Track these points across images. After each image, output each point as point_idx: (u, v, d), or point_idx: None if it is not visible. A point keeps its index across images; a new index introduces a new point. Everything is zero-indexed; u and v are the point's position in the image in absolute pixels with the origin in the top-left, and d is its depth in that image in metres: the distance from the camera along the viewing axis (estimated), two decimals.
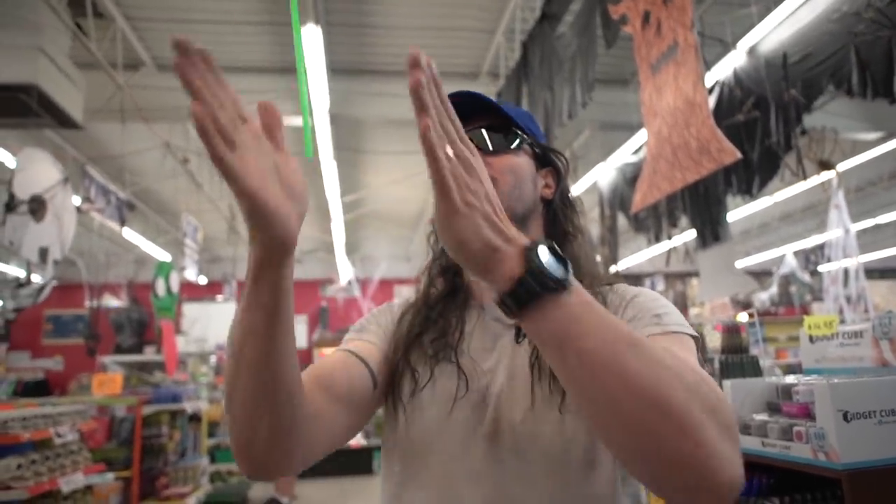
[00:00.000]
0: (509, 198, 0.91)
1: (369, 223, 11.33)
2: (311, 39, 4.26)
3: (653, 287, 12.96)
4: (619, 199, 6.69)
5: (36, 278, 5.11)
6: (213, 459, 7.41)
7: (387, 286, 12.86)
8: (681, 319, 0.86)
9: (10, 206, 3.96)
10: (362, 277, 12.72)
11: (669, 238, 4.83)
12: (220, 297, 12.55)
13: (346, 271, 11.98)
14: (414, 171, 8.72)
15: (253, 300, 0.68)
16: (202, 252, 9.21)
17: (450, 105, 0.65)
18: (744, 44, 4.10)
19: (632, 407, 0.56)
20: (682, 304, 12.60)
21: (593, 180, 7.02)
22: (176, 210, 9.37)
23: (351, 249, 12.24)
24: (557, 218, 0.99)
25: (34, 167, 4.35)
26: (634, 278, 13.03)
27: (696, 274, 11.55)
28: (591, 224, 7.81)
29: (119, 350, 10.70)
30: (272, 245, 0.66)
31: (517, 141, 0.97)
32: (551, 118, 4.54)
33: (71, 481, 3.37)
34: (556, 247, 0.62)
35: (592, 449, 0.84)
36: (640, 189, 2.48)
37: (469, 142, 0.66)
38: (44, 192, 4.30)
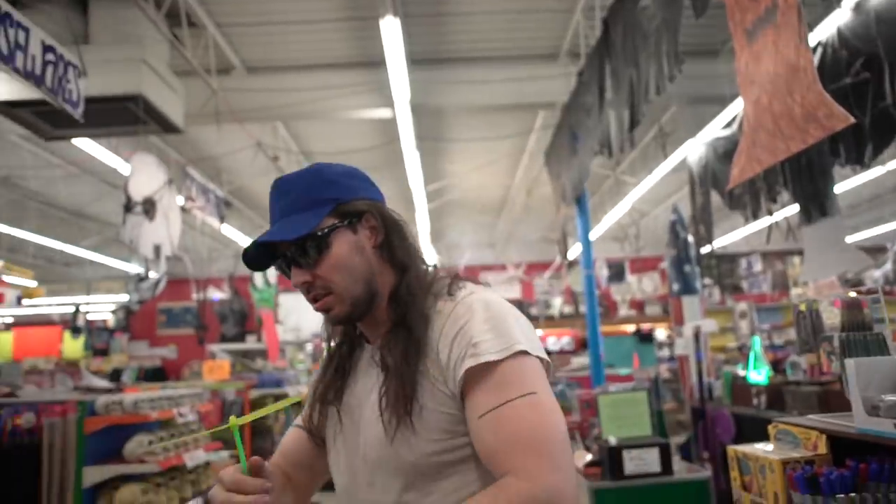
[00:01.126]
0: (347, 289, 1.03)
1: (453, 211, 11.43)
2: (391, 31, 4.33)
3: (749, 268, 12.32)
4: (710, 175, 6.38)
5: (152, 273, 5.56)
6: None
7: (472, 273, 12.90)
8: (503, 341, 0.96)
9: (128, 206, 4.31)
10: (447, 265, 12.85)
11: (770, 214, 4.57)
12: None
13: (431, 260, 12.14)
14: (496, 156, 8.70)
15: None
16: None
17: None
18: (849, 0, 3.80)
19: None
20: (783, 285, 11.90)
21: (682, 157, 6.75)
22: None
23: (436, 238, 12.40)
24: (392, 253, 1.08)
25: (144, 171, 4.70)
26: (730, 259, 12.44)
27: (798, 252, 10.88)
28: (682, 202, 7.52)
29: (224, 339, 11.38)
30: None
31: (323, 240, 1.03)
32: (637, 95, 4.39)
33: (194, 457, 3.65)
34: None
35: (443, 452, 0.99)
36: (737, 163, 2.37)
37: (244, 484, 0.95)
38: (153, 194, 4.64)
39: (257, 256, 1.08)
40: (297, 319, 11.97)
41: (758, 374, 4.27)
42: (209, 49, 5.44)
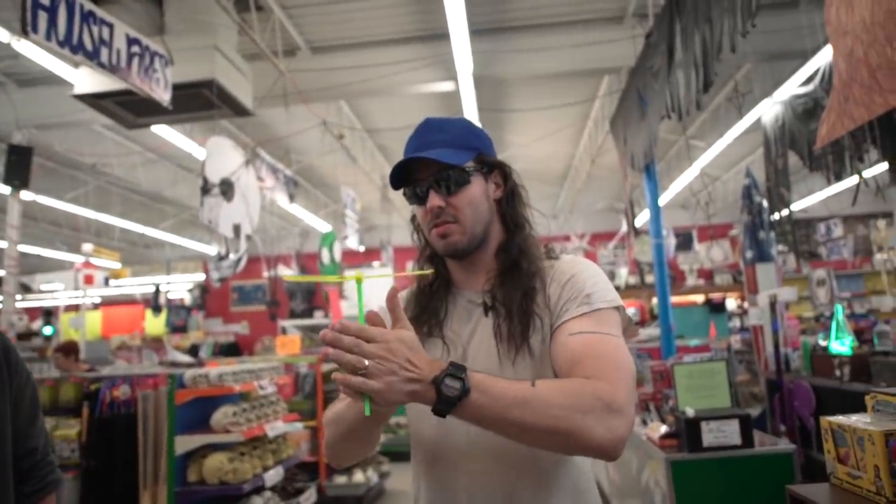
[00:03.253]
0: (472, 226, 1.16)
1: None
2: (453, 3, 4.28)
3: (828, 232, 11.71)
4: (788, 135, 6.07)
5: (231, 253, 5.80)
6: None
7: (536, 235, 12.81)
8: (608, 295, 1.11)
9: (205, 189, 4.48)
10: None
11: (859, 174, 4.31)
12: (376, 264, 13.31)
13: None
14: (558, 126, 8.55)
15: (354, 420, 1.08)
16: (359, 221, 9.79)
17: (351, 328, 0.91)
18: None
19: (534, 438, 0.94)
20: (866, 250, 11.27)
21: (756, 118, 6.43)
22: (334, 183, 10.02)
23: None
24: (507, 213, 1.22)
25: (220, 153, 4.87)
26: (806, 224, 11.86)
27: (884, 214, 10.24)
28: (756, 165, 7.19)
29: (293, 315, 11.78)
30: (381, 408, 0.99)
31: (465, 176, 1.16)
32: (710, 54, 4.20)
33: (274, 428, 3.83)
34: (456, 369, 0.91)
35: None
36: (826, 120, 2.23)
37: (375, 348, 0.89)
38: (230, 175, 4.81)
39: (399, 175, 1.18)
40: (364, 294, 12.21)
41: (840, 345, 4.08)
42: (276, 31, 5.55)
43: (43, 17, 2.97)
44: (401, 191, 1.21)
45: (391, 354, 0.88)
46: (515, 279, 1.15)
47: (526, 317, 1.11)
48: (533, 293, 1.14)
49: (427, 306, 1.23)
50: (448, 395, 0.89)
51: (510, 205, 1.23)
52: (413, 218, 1.26)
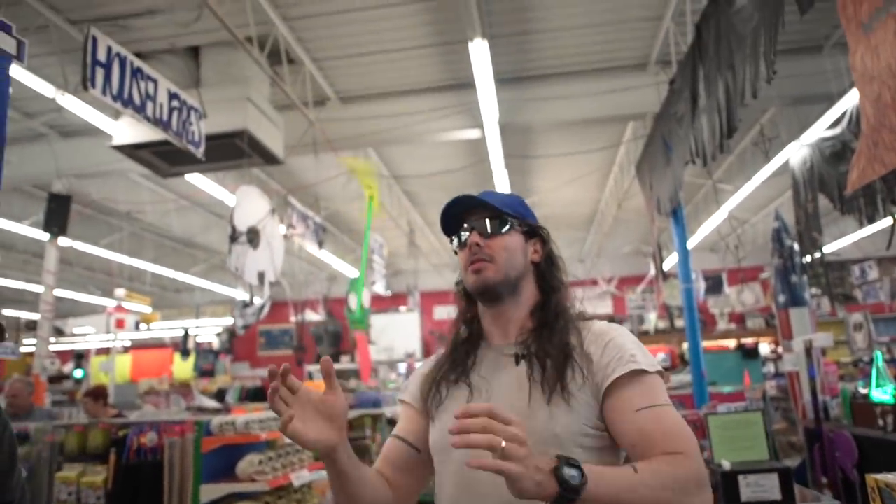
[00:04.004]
0: (505, 268, 1.24)
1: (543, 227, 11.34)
2: (479, 54, 4.39)
3: (863, 275, 11.41)
4: (817, 178, 6.00)
5: (256, 299, 5.89)
6: None
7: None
8: (649, 359, 1.16)
9: (233, 237, 4.57)
10: None
11: (893, 216, 4.23)
12: (403, 308, 13.32)
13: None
14: (583, 171, 8.58)
15: (327, 471, 1.15)
16: (386, 266, 9.84)
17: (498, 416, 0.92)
18: None
19: None
20: None
21: (783, 161, 6.39)
22: (361, 229, 10.13)
23: None
24: (545, 276, 1.31)
25: (248, 201, 4.99)
26: (839, 266, 11.59)
27: None
28: (785, 207, 7.10)
29: (319, 360, 11.77)
30: (323, 454, 1.11)
31: (507, 226, 1.27)
32: (733, 100, 4.22)
33: (300, 477, 3.78)
34: (572, 460, 0.93)
35: (579, 435, 1.12)
36: (855, 165, 2.21)
37: (515, 430, 0.90)
38: (257, 223, 4.91)
39: (449, 221, 1.31)
40: (391, 339, 12.19)
41: (882, 392, 3.92)
42: (306, 83, 5.72)
43: (100, 73, 3.15)
44: (447, 237, 1.33)
45: (522, 439, 0.90)
46: (552, 334, 1.21)
47: (563, 363, 1.16)
48: (569, 347, 1.19)
49: (457, 360, 1.30)
50: (572, 485, 0.90)
51: (548, 268, 1.31)
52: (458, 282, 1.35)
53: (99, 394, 5.41)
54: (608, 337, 1.19)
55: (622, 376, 1.12)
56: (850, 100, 5.01)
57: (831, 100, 5.20)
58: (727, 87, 4.25)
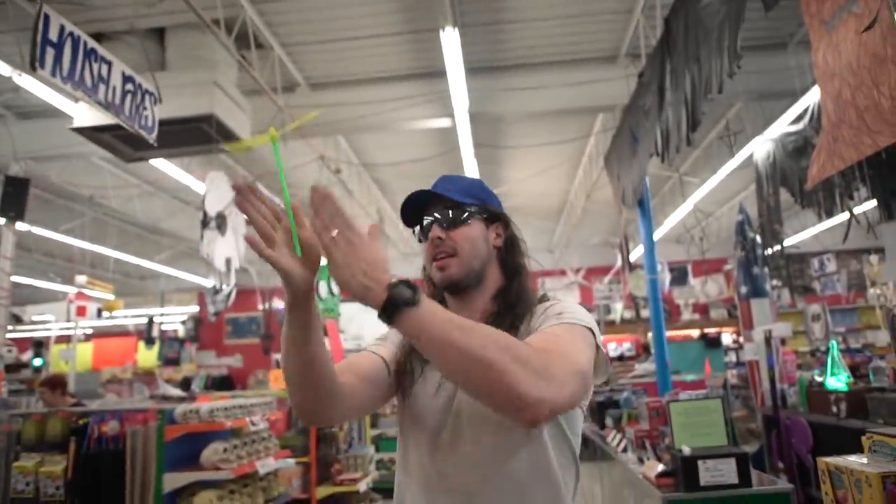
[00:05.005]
0: (468, 260, 1.25)
1: (512, 217, 11.40)
2: (450, 43, 4.37)
3: (821, 267, 11.76)
4: (779, 172, 6.15)
5: (223, 286, 5.82)
6: (377, 448, 7.85)
7: (532, 278, 12.84)
8: (579, 317, 1.16)
9: (204, 222, 4.50)
10: None
11: (849, 210, 4.36)
12: None
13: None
14: (553, 162, 8.64)
15: (290, 323, 1.05)
16: None
17: (341, 210, 0.93)
18: None
19: (467, 371, 0.92)
20: (859, 285, 11.31)
21: (748, 155, 6.52)
22: None
23: None
24: (507, 260, 1.32)
25: (217, 187, 4.90)
26: (799, 258, 11.92)
27: (876, 249, 10.31)
28: (749, 200, 7.27)
29: None
30: (294, 293, 1.02)
31: (466, 215, 1.27)
32: (698, 93, 4.29)
33: (265, 465, 3.76)
34: (410, 282, 0.93)
35: None
36: (816, 160, 2.27)
37: (353, 226, 0.94)
38: (224, 209, 4.83)
39: (409, 213, 1.30)
40: (359, 328, 12.14)
41: (836, 381, 4.06)
42: (275, 68, 5.63)
43: (50, 54, 3.03)
44: (408, 228, 1.33)
45: (363, 250, 0.92)
46: (512, 318, 1.23)
47: None
48: (517, 326, 1.21)
49: None
50: (398, 296, 0.90)
51: (509, 253, 1.32)
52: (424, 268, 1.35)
53: (56, 383, 5.27)
54: (547, 306, 1.22)
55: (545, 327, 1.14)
56: (813, 96, 5.13)
57: (795, 96, 5.33)
58: (693, 81, 4.32)
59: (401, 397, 1.31)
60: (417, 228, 1.31)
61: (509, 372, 0.91)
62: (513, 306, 1.25)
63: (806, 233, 10.90)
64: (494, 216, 1.34)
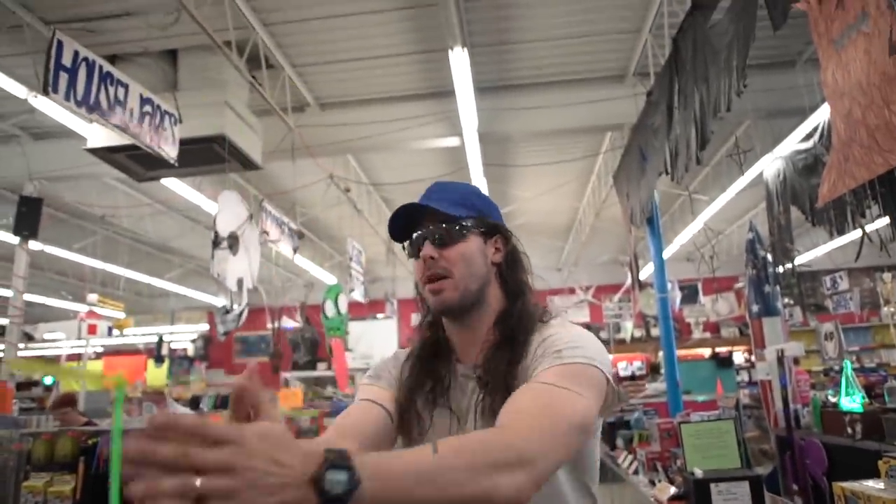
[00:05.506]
0: (464, 281, 1.13)
1: (520, 236, 11.31)
2: (459, 63, 4.41)
3: (834, 285, 11.64)
4: (790, 190, 6.12)
5: (235, 306, 5.85)
6: None
7: (539, 297, 12.81)
8: (583, 352, 1.03)
9: (216, 242, 4.53)
10: None
11: (861, 229, 4.33)
12: (380, 315, 13.24)
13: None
14: (562, 180, 8.66)
15: None
16: (364, 273, 9.80)
17: (195, 425, 0.60)
18: None
19: None
20: (873, 303, 11.19)
21: (757, 173, 6.50)
22: (340, 236, 10.09)
23: None
24: (507, 279, 1.20)
25: (229, 207, 4.94)
26: (811, 276, 11.82)
27: (889, 267, 10.21)
28: (759, 218, 7.25)
29: (296, 367, 11.66)
30: None
31: (460, 229, 1.14)
32: (706, 112, 4.29)
33: None
34: (340, 457, 0.66)
35: None
36: (826, 179, 2.26)
37: (221, 455, 0.59)
38: (237, 229, 4.86)
39: (398, 227, 1.18)
40: (368, 347, 12.11)
41: (851, 401, 4.00)
42: (285, 88, 5.70)
43: (63, 78, 3.09)
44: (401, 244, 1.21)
45: (247, 459, 0.59)
46: (505, 351, 1.11)
47: (508, 389, 1.03)
48: (516, 361, 1.09)
49: (431, 372, 1.19)
50: (333, 494, 0.64)
51: (510, 269, 1.20)
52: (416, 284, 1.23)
53: (67, 401, 5.28)
54: (546, 335, 1.10)
55: (539, 373, 1.02)
56: (822, 114, 5.12)
57: (804, 114, 5.32)
58: (702, 100, 4.33)
59: (406, 443, 1.16)
60: (406, 243, 1.18)
61: (485, 491, 0.79)
62: (513, 337, 1.13)
63: (818, 250, 10.82)
64: (493, 228, 1.21)
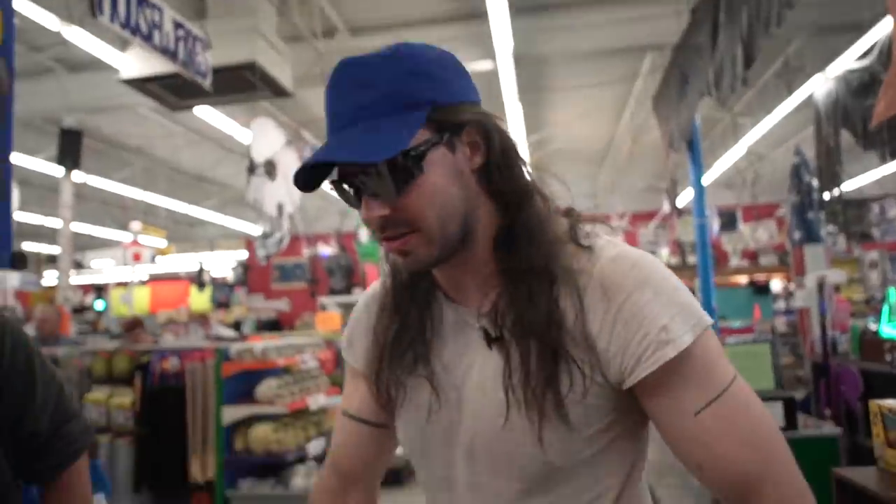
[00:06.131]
0: (441, 229, 0.76)
1: (555, 162, 11.22)
2: None
3: (882, 212, 11.25)
4: (841, 112, 5.84)
5: (275, 231, 5.97)
6: None
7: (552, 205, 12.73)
8: (692, 310, 0.75)
9: (251, 168, 4.59)
10: None
11: None
12: None
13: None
14: (600, 103, 8.41)
15: None
16: None
17: None
18: None
19: None
20: None
21: (808, 93, 6.21)
22: None
23: None
24: (499, 183, 0.79)
25: (264, 134, 4.96)
26: (858, 204, 11.45)
27: None
28: (805, 143, 6.98)
29: (332, 292, 11.95)
30: None
31: (415, 161, 0.73)
32: (755, 28, 4.07)
33: (316, 400, 3.94)
34: None
35: (585, 449, 0.78)
36: (884, 96, 2.15)
37: None
38: (273, 155, 4.90)
39: (307, 177, 0.79)
40: None
41: (892, 329, 3.96)
42: (314, 13, 5.57)
43: (107, 1, 3.09)
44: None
45: None
46: (531, 293, 0.77)
47: (555, 363, 0.75)
48: (561, 320, 0.76)
49: (407, 320, 0.87)
50: None
51: (501, 171, 0.79)
52: None
53: (136, 324, 5.51)
54: (622, 296, 0.75)
55: (655, 372, 0.73)
56: (882, 29, 4.81)
57: (861, 29, 5.00)
58: (749, 15, 4.09)
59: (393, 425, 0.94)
60: (337, 193, 0.80)
61: None
62: (528, 263, 0.77)
63: (867, 176, 10.42)
64: (457, 124, 0.77)
